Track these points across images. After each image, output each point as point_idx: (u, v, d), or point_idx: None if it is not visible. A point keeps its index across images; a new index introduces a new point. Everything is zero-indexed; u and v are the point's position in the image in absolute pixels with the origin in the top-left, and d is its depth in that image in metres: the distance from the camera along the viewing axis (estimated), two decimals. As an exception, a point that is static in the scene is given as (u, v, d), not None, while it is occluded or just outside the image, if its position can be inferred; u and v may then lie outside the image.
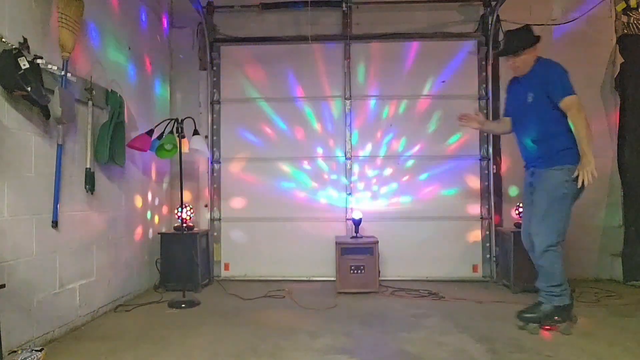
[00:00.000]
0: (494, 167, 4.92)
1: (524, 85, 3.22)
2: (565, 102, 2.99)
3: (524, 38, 3.16)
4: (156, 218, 4.70)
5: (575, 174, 2.95)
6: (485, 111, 4.98)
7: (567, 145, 3.02)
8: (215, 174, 5.17)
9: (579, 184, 2.95)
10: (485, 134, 4.96)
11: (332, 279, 4.54)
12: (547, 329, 3.05)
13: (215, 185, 5.16)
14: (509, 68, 3.29)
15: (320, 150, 5.12)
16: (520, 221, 4.49)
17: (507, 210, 4.90)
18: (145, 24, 4.59)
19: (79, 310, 3.30)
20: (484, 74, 5.02)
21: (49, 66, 2.90)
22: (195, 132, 4.27)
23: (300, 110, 5.14)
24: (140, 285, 4.32)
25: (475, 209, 5.01)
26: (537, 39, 3.17)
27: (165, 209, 4.93)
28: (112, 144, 3.53)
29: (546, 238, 3.04)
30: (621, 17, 4.85)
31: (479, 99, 5.02)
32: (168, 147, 4.04)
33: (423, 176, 5.04)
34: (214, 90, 5.18)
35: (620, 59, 4.75)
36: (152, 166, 4.61)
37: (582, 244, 4.84)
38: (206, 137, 5.00)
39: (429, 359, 2.66)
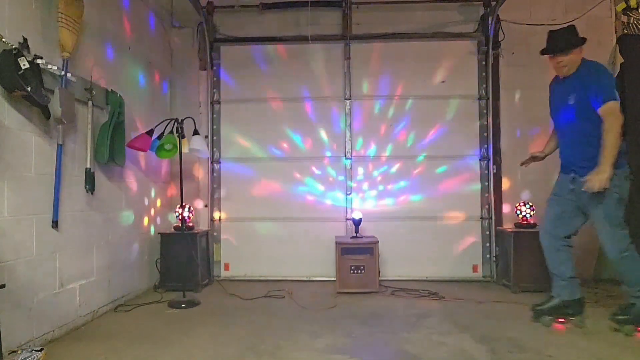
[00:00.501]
0: (494, 167, 4.92)
1: (567, 86, 3.18)
2: (605, 108, 2.95)
3: (572, 37, 3.12)
4: (156, 218, 4.70)
5: (587, 178, 2.93)
6: (485, 111, 4.99)
7: None
8: (215, 174, 5.17)
9: (584, 187, 2.94)
10: (485, 134, 4.97)
11: (332, 279, 4.54)
12: None
13: (215, 185, 5.16)
14: (554, 68, 3.22)
15: (320, 151, 5.12)
16: (519, 221, 4.53)
17: (507, 210, 4.90)
18: (145, 23, 4.60)
19: (79, 310, 3.30)
20: (483, 74, 5.02)
21: (49, 66, 2.90)
22: (195, 132, 4.27)
23: (300, 110, 5.14)
24: (141, 285, 4.32)
25: (475, 208, 5.01)
26: (584, 40, 3.13)
27: (165, 209, 4.93)
28: (112, 144, 3.53)
29: (617, 246, 3.01)
30: (621, 17, 4.85)
31: (479, 99, 5.02)
32: (168, 147, 4.05)
33: (423, 176, 5.03)
34: (214, 90, 5.18)
35: (620, 59, 4.74)
36: (152, 166, 4.60)
37: (582, 245, 4.82)
38: (206, 137, 5.00)
39: (429, 359, 2.66)
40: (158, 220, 4.74)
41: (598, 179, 2.88)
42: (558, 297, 3.27)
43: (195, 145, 4.19)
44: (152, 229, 4.60)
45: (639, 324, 3.02)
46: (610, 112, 2.94)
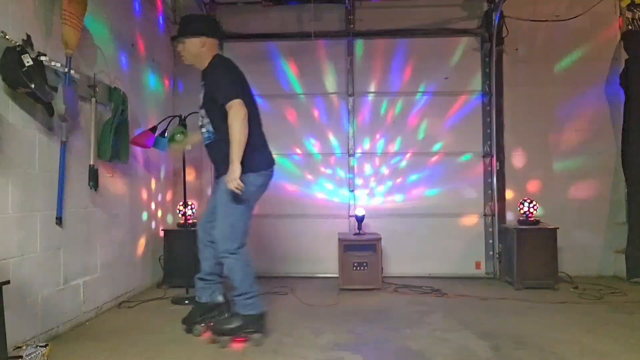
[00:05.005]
0: (497, 163, 4.90)
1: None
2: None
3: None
4: (159, 215, 4.72)
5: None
6: (488, 108, 4.97)
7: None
8: (218, 171, 5.17)
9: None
10: (489, 131, 4.95)
11: (335, 275, 4.54)
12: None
13: (218, 182, 5.16)
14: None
15: (323, 147, 5.11)
16: (522, 218, 4.51)
17: (510, 206, 4.89)
18: (149, 20, 4.59)
19: (83, 306, 3.32)
20: (487, 70, 4.99)
21: (53, 63, 2.89)
22: (199, 129, 4.26)
23: (303, 106, 5.13)
24: (144, 281, 4.33)
25: (478, 205, 4.99)
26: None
27: (168, 206, 4.94)
28: (115, 141, 3.53)
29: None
30: (626, 13, 4.82)
31: (482, 95, 5.00)
32: (179, 137, 4.00)
33: (426, 173, 5.03)
34: (217, 87, 5.17)
35: (624, 55, 4.73)
36: (155, 163, 4.61)
37: (586, 241, 4.84)
38: (209, 134, 4.99)
39: (431, 355, 2.67)
40: (161, 217, 4.76)
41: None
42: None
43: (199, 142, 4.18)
44: (156, 225, 4.61)
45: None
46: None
